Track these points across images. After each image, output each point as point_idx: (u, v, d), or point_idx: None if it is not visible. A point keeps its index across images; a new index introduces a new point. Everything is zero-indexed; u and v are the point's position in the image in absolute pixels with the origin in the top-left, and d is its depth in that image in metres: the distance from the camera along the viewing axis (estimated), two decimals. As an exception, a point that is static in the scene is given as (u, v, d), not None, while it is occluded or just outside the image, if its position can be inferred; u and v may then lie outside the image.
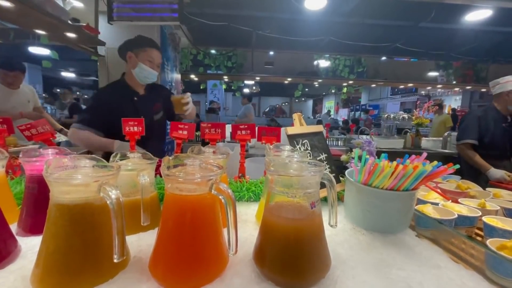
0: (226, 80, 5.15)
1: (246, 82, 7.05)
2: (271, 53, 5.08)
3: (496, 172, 1.86)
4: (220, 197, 0.49)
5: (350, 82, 5.16)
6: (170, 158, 0.56)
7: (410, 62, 5.43)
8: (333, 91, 8.12)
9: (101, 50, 3.16)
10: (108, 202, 0.46)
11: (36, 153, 0.72)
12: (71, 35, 2.29)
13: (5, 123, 0.96)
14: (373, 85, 6.01)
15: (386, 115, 4.60)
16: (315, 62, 5.16)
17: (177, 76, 4.16)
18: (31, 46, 4.78)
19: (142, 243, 0.63)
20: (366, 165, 0.65)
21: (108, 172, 0.50)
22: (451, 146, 4.28)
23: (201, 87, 5.99)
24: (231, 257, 0.56)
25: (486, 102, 10.37)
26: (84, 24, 2.31)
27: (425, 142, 4.58)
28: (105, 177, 0.48)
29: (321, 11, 3.33)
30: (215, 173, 0.50)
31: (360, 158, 0.68)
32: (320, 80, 5.07)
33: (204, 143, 1.24)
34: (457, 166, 0.62)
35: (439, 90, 11.12)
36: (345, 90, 5.59)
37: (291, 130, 0.88)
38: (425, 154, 0.66)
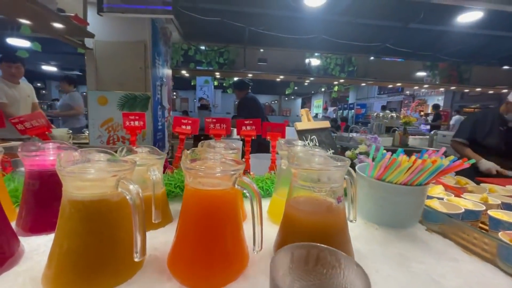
0: (218, 76, 5.08)
1: (236, 79, 7.00)
2: (264, 50, 5.06)
3: (486, 163, 1.91)
4: (245, 191, 0.48)
5: (341, 80, 5.22)
6: (188, 152, 0.54)
7: (399, 62, 5.57)
8: (323, 89, 8.21)
9: (88, 43, 3.03)
10: (127, 197, 0.44)
11: (34, 147, 0.67)
12: (58, 25, 2.18)
13: (-5, 116, 0.89)
14: (363, 84, 6.12)
15: (375, 114, 4.71)
16: (307, 60, 5.18)
17: (168, 71, 4.06)
18: (10, 38, 4.53)
19: (155, 241, 0.60)
20: (383, 160, 0.65)
21: (125, 167, 0.47)
22: (437, 144, 4.43)
23: (192, 83, 5.89)
24: (251, 254, 0.54)
25: (466, 103, 10.83)
26: (73, 15, 2.20)
27: (412, 140, 4.72)
28: (122, 172, 0.46)
29: (315, 9, 3.34)
30: (239, 167, 0.48)
31: (375, 153, 0.69)
32: (312, 78, 5.10)
33: (196, 139, 1.18)
34: (473, 160, 0.63)
35: (422, 90, 11.50)
36: (336, 88, 5.66)
37: (301, 126, 0.87)
38: (443, 149, 0.67)
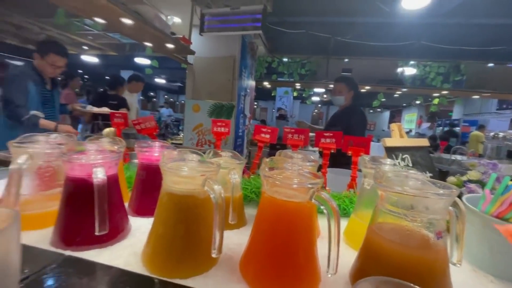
0: (298, 87, 5.11)
1: (316, 90, 6.88)
2: (349, 60, 4.82)
3: None
4: (322, 207, 0.45)
5: (444, 92, 4.41)
6: (267, 160, 0.55)
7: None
8: (418, 102, 7.12)
9: (189, 59, 3.58)
10: (211, 196, 0.48)
11: (145, 144, 0.82)
12: (170, 46, 2.65)
13: (123, 117, 1.14)
14: (476, 97, 4.91)
15: (493, 134, 3.75)
16: (399, 69, 4.63)
17: (252, 83, 4.35)
18: (136, 57, 5.79)
19: (230, 241, 0.63)
20: (509, 194, 0.50)
21: (212, 168, 0.52)
22: None
23: (273, 94, 6.13)
24: (323, 277, 0.51)
25: None
26: (181, 36, 2.64)
27: (551, 172, 3.53)
28: (209, 172, 0.50)
29: (414, 12, 2.97)
30: (317, 180, 0.46)
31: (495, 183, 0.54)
32: (405, 89, 4.51)
33: (272, 147, 1.15)
34: None
35: None
36: (436, 101, 4.80)
37: (390, 142, 0.78)
38: None
